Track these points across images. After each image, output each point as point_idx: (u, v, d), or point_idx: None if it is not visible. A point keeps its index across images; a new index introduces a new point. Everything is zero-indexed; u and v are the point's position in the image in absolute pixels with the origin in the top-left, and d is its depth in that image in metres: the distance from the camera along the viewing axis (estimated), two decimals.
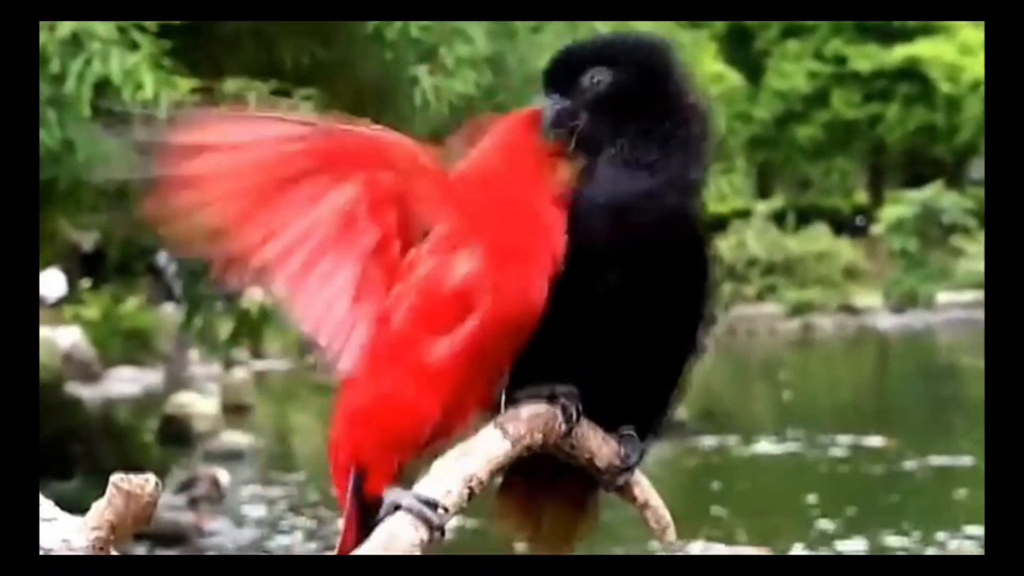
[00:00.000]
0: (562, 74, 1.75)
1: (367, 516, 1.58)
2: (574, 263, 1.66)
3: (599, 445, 1.68)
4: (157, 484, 1.45)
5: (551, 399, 1.65)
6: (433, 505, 1.50)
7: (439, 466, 1.55)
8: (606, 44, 1.78)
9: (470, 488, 1.53)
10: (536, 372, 1.67)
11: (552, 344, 1.66)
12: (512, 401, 1.66)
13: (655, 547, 1.76)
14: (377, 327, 1.61)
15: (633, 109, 1.71)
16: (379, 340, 1.60)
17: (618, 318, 1.68)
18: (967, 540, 9.48)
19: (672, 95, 1.73)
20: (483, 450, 1.57)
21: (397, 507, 1.50)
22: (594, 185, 1.69)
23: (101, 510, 1.43)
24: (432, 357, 1.56)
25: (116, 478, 1.44)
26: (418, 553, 1.47)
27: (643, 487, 1.72)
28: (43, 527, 1.46)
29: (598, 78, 1.72)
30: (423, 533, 1.48)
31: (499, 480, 1.76)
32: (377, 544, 1.47)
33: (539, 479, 1.79)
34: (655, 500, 1.72)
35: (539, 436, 1.62)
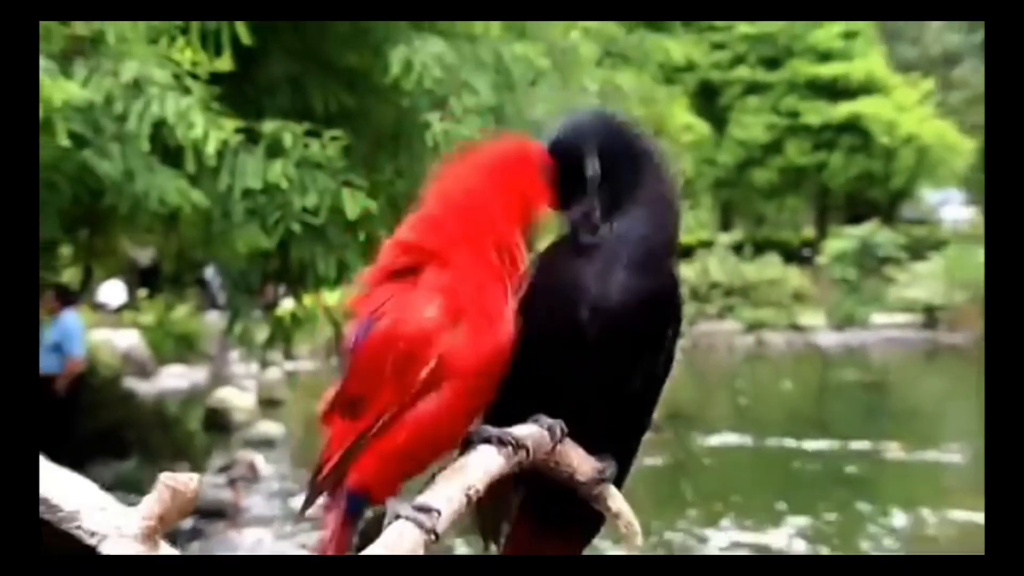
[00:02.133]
0: (564, 166, 1.71)
1: (353, 526, 1.61)
2: (564, 316, 1.66)
3: (580, 462, 1.69)
4: (199, 482, 1.44)
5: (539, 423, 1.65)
6: (427, 510, 1.48)
7: (442, 478, 1.55)
8: (590, 135, 1.73)
9: (468, 496, 1.53)
10: (525, 406, 1.66)
11: (539, 385, 1.67)
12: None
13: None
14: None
15: (619, 185, 1.71)
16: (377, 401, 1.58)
17: (597, 363, 1.68)
18: (894, 519, 9.54)
19: (649, 168, 1.73)
20: (480, 464, 1.57)
21: (398, 516, 1.49)
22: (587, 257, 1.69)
23: (151, 503, 1.42)
24: (420, 417, 1.55)
25: (164, 476, 1.42)
26: (421, 550, 1.46)
27: (616, 499, 1.72)
28: (99, 516, 1.45)
29: (595, 170, 1.70)
30: (423, 534, 1.47)
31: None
32: (386, 542, 1.46)
33: (545, 527, 1.82)
34: (626, 510, 1.73)
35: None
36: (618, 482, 1.74)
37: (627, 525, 1.72)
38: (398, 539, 1.46)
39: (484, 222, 1.60)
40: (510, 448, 1.58)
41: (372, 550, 1.45)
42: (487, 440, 1.59)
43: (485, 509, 1.77)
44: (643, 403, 1.76)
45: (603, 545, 2.07)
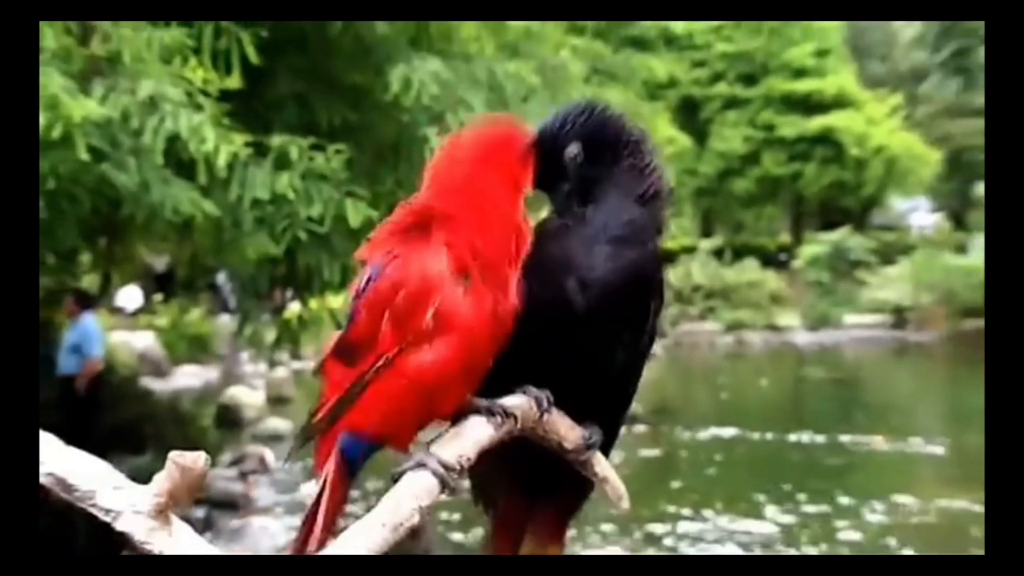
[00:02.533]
0: (549, 151, 1.71)
1: (347, 474, 1.59)
2: (551, 295, 1.64)
3: (567, 430, 1.68)
4: (207, 460, 1.43)
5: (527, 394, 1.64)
6: (448, 468, 1.50)
7: (436, 447, 1.54)
8: (574, 122, 1.72)
9: (460, 464, 1.53)
10: (513, 379, 1.65)
11: (527, 357, 1.64)
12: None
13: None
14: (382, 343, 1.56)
15: (602, 167, 1.71)
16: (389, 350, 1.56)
17: (585, 334, 1.67)
18: (871, 507, 9.54)
19: (629, 155, 1.73)
20: (472, 433, 1.57)
21: (421, 464, 1.50)
22: (573, 233, 1.68)
23: (161, 480, 1.42)
24: (418, 366, 1.53)
25: (173, 454, 1.41)
26: (436, 493, 1.47)
27: (603, 465, 1.72)
28: (113, 494, 1.44)
29: (575, 152, 1.71)
30: (439, 485, 1.48)
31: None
32: (408, 483, 1.47)
33: (534, 497, 1.81)
34: (612, 475, 1.73)
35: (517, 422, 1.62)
36: (604, 452, 1.74)
37: (614, 490, 1.72)
38: (418, 482, 1.47)
39: (484, 194, 1.59)
40: (499, 418, 1.58)
41: (398, 486, 1.46)
42: (477, 411, 1.59)
43: (477, 478, 1.77)
44: (628, 375, 1.76)
45: (603, 544, 2.09)
